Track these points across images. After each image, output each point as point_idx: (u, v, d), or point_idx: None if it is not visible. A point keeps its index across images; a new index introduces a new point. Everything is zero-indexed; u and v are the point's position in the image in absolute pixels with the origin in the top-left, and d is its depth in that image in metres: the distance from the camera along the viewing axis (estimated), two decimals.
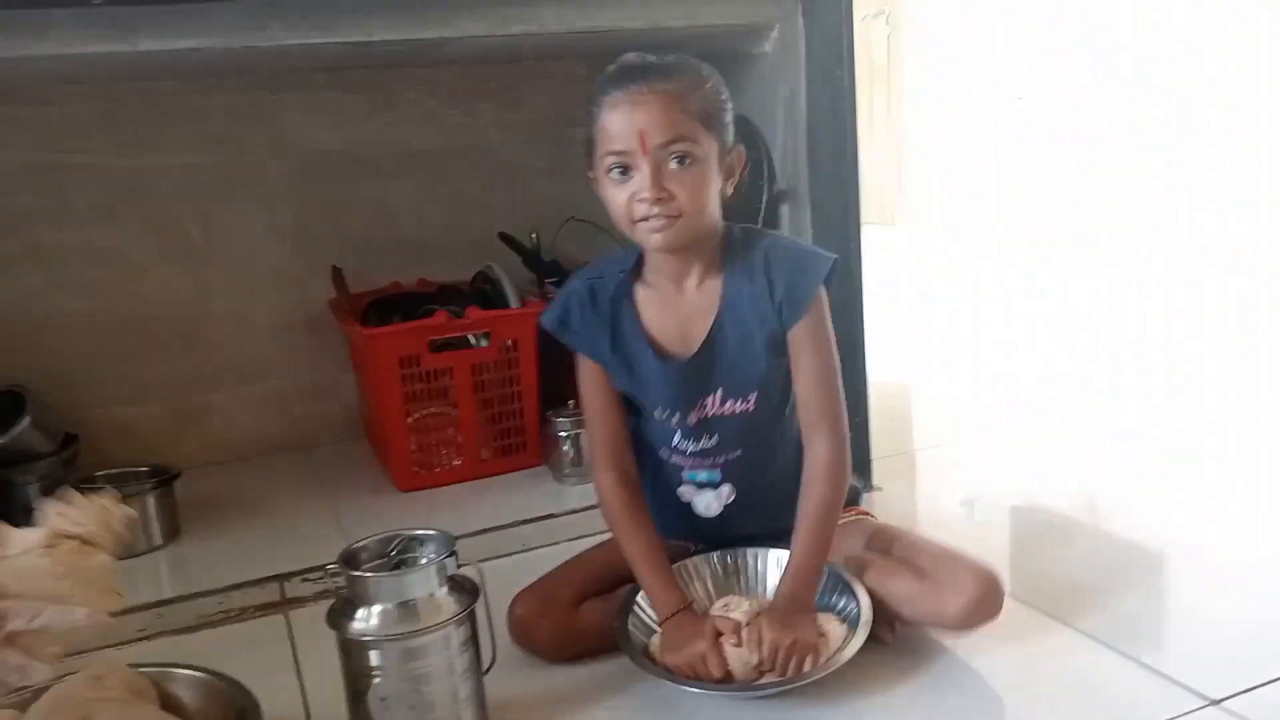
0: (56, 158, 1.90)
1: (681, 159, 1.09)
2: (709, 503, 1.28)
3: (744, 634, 1.13)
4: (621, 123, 1.08)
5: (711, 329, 1.19)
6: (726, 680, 1.13)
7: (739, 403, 1.21)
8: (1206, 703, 1.10)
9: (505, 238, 2.06)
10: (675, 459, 1.26)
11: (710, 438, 1.23)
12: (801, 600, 1.17)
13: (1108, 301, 3.34)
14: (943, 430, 2.13)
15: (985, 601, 1.16)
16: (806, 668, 1.12)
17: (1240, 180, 4.03)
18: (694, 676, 1.13)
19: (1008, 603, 1.23)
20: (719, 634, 1.14)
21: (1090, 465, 1.89)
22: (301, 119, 2.05)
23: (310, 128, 2.05)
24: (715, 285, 1.19)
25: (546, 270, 2.06)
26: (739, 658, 1.13)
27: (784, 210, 1.75)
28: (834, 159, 1.69)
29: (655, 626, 1.21)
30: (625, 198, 1.10)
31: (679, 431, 1.23)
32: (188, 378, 2.03)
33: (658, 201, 1.08)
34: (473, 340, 1.84)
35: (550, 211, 2.13)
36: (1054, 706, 1.12)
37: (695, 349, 1.20)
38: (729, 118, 1.15)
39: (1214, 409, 2.11)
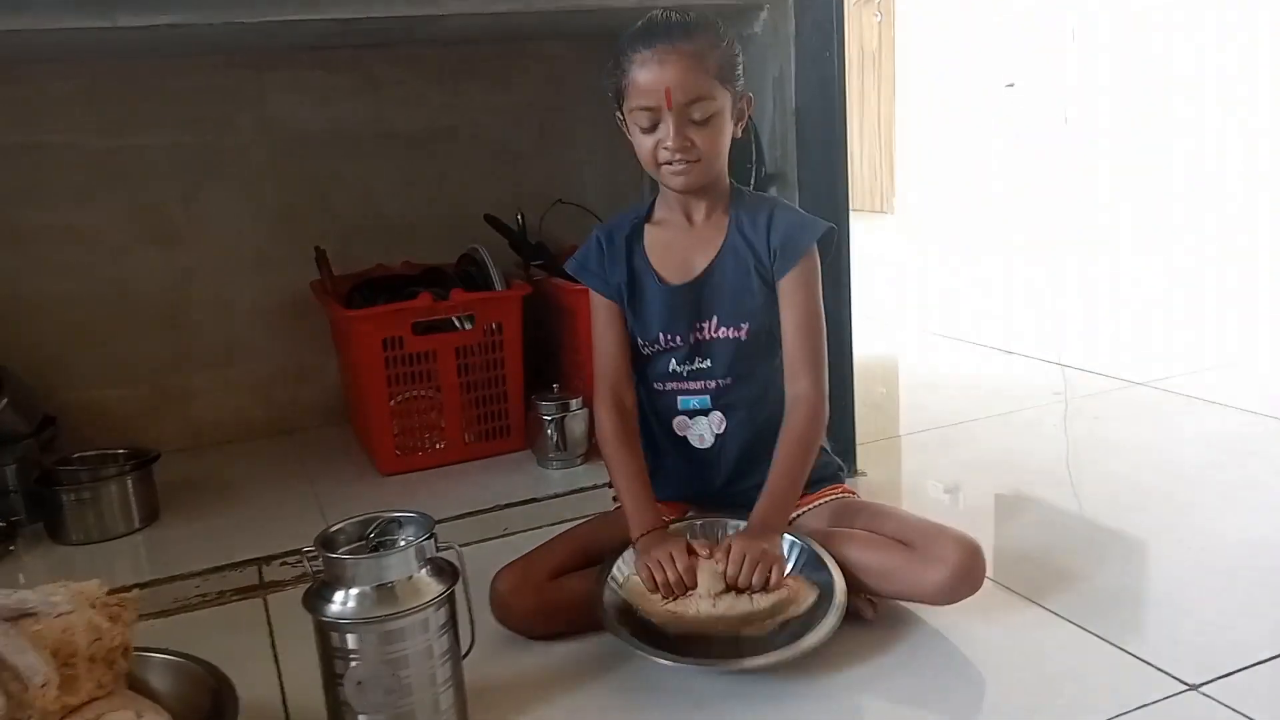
0: (36, 137, 1.88)
1: (701, 113, 1.21)
2: (702, 433, 1.34)
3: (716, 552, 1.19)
4: (649, 80, 1.20)
5: (713, 259, 1.31)
6: (688, 600, 1.17)
7: (732, 330, 1.31)
8: (1185, 687, 1.10)
9: (491, 220, 2.04)
10: (671, 385, 1.34)
11: (704, 360, 1.32)
12: (772, 524, 1.23)
13: (1095, 287, 3.35)
14: (928, 416, 2.13)
15: (968, 572, 1.18)
16: (773, 580, 1.16)
17: (1229, 163, 4.04)
18: (664, 584, 1.17)
19: (990, 586, 1.24)
20: (692, 552, 1.21)
21: (1074, 452, 1.89)
22: (286, 98, 2.02)
23: (294, 107, 2.03)
24: (722, 222, 1.32)
25: (532, 253, 2.05)
26: (708, 571, 1.17)
27: (772, 192, 1.74)
28: (823, 142, 1.67)
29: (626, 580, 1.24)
30: (651, 144, 1.23)
31: (675, 357, 1.32)
32: (168, 360, 2.01)
33: (680, 150, 1.22)
34: (457, 323, 1.83)
35: (537, 193, 2.12)
36: (1034, 689, 1.12)
37: (696, 275, 1.31)
38: (741, 68, 1.26)
39: (1197, 397, 2.11)
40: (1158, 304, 3.06)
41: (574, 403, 1.78)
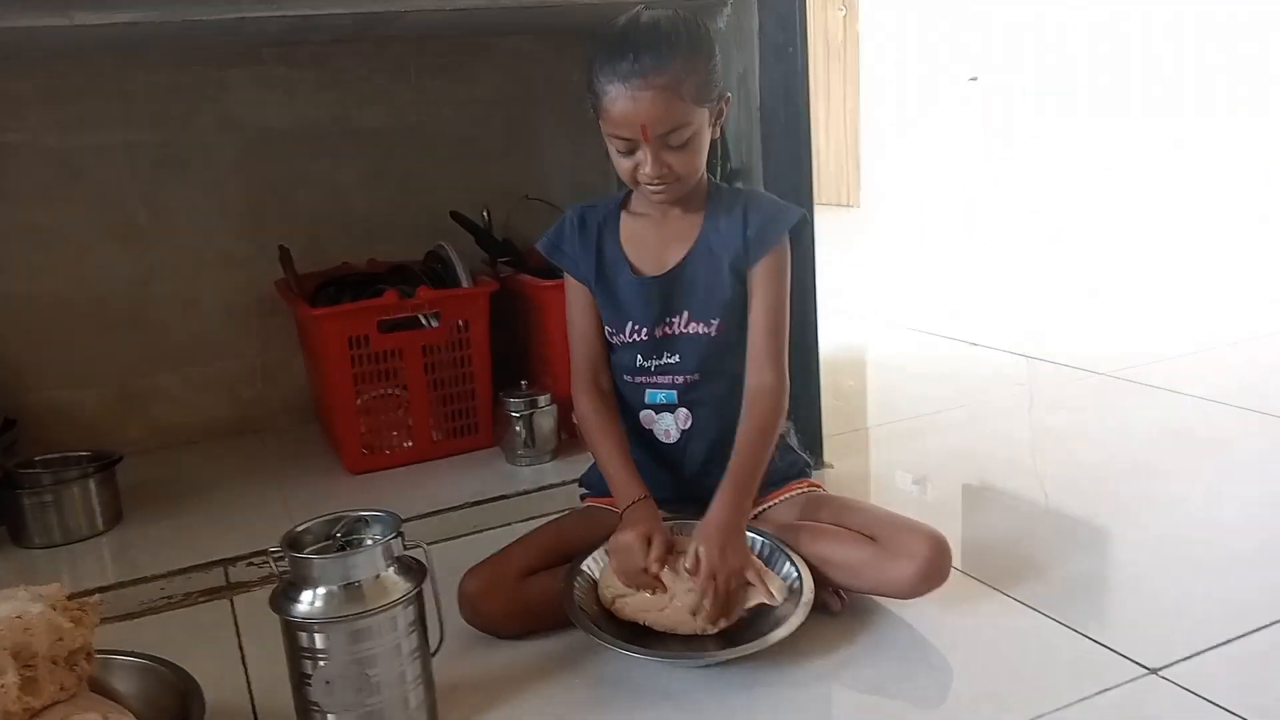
0: None
1: (678, 139, 1.20)
2: (668, 428, 1.35)
3: (683, 562, 1.18)
4: (623, 113, 1.18)
5: (687, 253, 1.31)
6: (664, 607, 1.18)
7: (703, 325, 1.31)
8: (1145, 671, 1.12)
9: (457, 216, 2.03)
10: (640, 379, 1.34)
11: (672, 355, 1.32)
12: (737, 511, 1.22)
13: (1058, 278, 3.38)
14: (895, 408, 2.15)
15: (935, 566, 1.19)
16: (750, 579, 1.17)
17: (1196, 155, 4.10)
18: (635, 579, 1.19)
19: (955, 575, 1.25)
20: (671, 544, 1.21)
21: (1038, 442, 1.92)
22: (248, 95, 2.00)
23: (257, 104, 2.01)
24: (696, 217, 1.32)
25: (499, 249, 2.04)
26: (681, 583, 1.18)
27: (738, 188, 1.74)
28: (787, 137, 1.68)
29: (598, 580, 1.25)
30: (630, 165, 1.23)
31: (640, 351, 1.32)
32: (131, 360, 1.99)
33: (658, 177, 1.21)
34: (423, 320, 1.82)
35: (503, 190, 2.12)
36: (998, 674, 1.13)
37: (669, 268, 1.31)
38: (718, 73, 1.23)
39: (1158, 387, 2.14)
40: (1120, 294, 3.10)
41: (542, 399, 1.78)
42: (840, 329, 2.71)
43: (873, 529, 1.25)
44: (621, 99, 1.17)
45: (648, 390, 1.34)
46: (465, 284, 1.87)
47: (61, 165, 1.89)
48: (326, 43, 2.01)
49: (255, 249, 2.01)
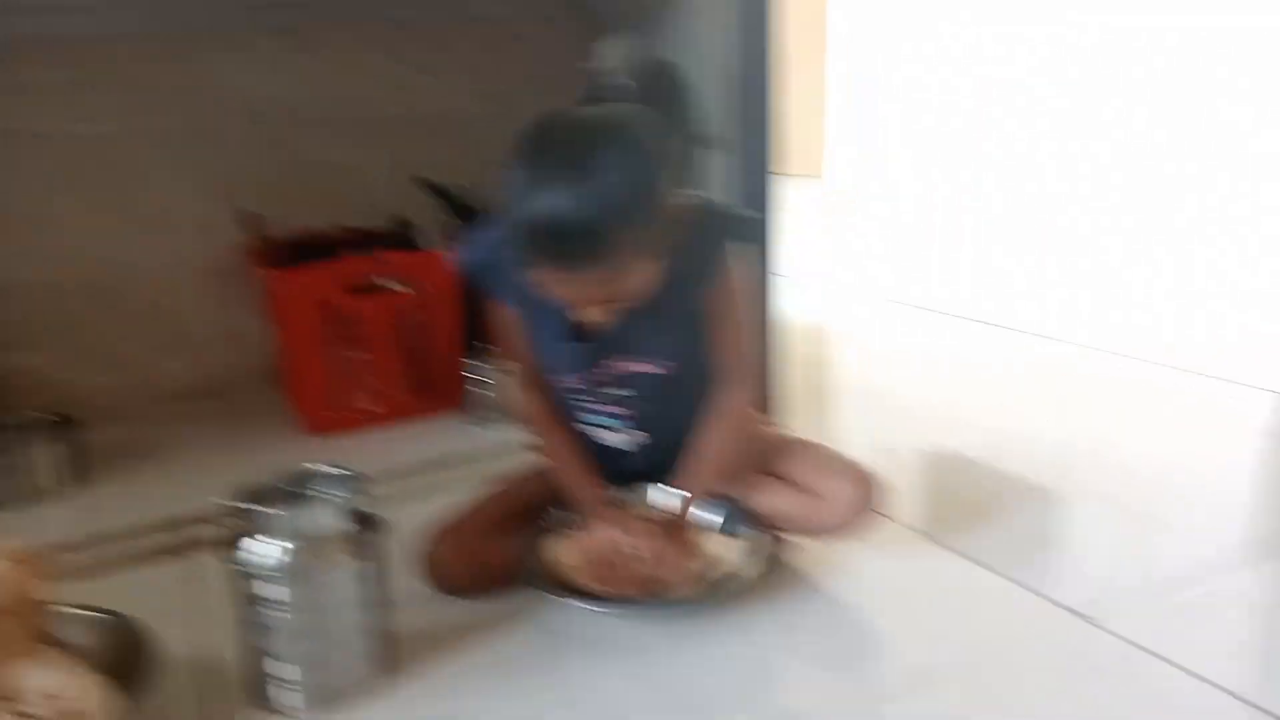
0: None
1: (619, 299, 1.10)
2: (618, 443, 1.32)
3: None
4: (551, 289, 1.08)
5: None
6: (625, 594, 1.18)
7: (652, 365, 1.24)
8: (1084, 621, 1.16)
9: (426, 183, 2.03)
10: (583, 401, 1.29)
11: (620, 389, 1.26)
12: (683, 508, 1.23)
13: (1022, 252, 3.41)
14: (857, 377, 2.17)
15: (863, 503, 1.23)
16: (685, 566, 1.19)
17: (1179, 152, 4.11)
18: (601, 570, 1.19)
19: (900, 529, 1.29)
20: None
21: (1003, 410, 1.94)
22: (229, 67, 1.99)
23: (236, 75, 1.99)
24: None
25: (467, 216, 2.04)
26: None
27: (700, 156, 1.75)
28: (753, 105, 1.69)
29: (557, 552, 1.26)
30: (566, 301, 1.11)
31: (582, 391, 1.27)
32: (95, 323, 1.98)
33: (603, 317, 1.13)
34: (391, 285, 1.82)
35: (486, 166, 2.11)
36: (937, 623, 1.18)
37: (604, 323, 1.16)
38: (670, 190, 1.08)
39: (1132, 356, 2.17)
40: (1083, 256, 3.12)
41: (508, 364, 1.78)
42: (801, 295, 2.73)
43: (801, 474, 1.27)
44: (548, 278, 1.05)
45: (591, 414, 1.30)
46: (433, 250, 1.87)
47: (27, 133, 1.87)
48: (309, 20, 2.00)
49: (222, 215, 2.00)
